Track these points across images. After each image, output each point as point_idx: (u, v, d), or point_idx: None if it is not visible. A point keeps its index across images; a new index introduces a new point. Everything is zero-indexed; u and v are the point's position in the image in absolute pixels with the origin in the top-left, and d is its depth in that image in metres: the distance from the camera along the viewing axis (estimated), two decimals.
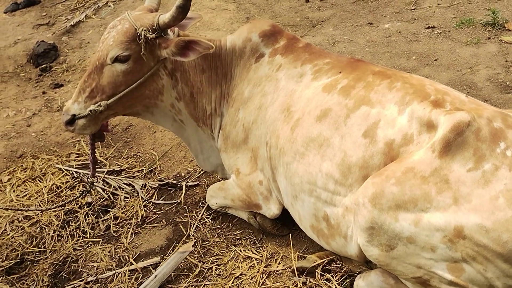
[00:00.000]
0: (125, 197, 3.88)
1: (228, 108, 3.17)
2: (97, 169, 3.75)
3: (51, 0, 7.38)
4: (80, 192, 3.60)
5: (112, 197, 3.90)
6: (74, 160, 4.34)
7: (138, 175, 4.08)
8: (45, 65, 5.81)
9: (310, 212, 2.70)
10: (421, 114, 2.38)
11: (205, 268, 3.09)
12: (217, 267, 3.09)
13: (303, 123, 2.72)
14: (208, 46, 2.71)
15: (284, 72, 2.95)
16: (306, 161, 2.67)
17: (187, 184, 3.81)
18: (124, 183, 4.00)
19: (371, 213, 2.28)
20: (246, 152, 3.09)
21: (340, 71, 2.80)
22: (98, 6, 6.99)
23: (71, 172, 4.18)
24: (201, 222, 3.45)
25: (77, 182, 4.12)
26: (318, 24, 5.75)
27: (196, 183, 3.82)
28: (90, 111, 2.78)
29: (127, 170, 4.17)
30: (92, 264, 3.37)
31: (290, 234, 3.15)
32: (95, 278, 3.25)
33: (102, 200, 3.88)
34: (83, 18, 6.72)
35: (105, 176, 4.09)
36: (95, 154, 3.39)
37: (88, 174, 3.86)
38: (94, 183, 3.61)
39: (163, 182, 3.89)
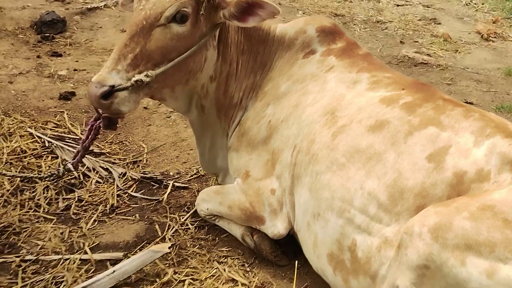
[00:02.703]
0: (97, 181, 3.27)
1: (254, 101, 2.69)
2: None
3: None
4: (49, 173, 2.99)
5: (82, 178, 3.28)
6: (50, 130, 3.73)
7: (119, 163, 3.49)
8: (48, 34, 5.29)
9: (334, 236, 2.16)
10: (505, 150, 1.95)
11: (176, 279, 2.44)
12: (191, 281, 2.45)
13: (349, 130, 2.25)
14: (274, 11, 2.29)
15: (335, 74, 2.52)
16: (345, 174, 2.17)
17: (174, 184, 3.23)
18: (100, 166, 3.40)
19: (430, 247, 1.75)
20: (263, 154, 2.58)
21: (403, 88, 2.38)
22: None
23: (42, 140, 3.56)
24: (182, 227, 2.84)
25: (46, 153, 3.50)
26: None
27: (186, 185, 3.24)
28: (136, 81, 2.18)
29: (108, 155, 3.58)
30: (36, 241, 2.71)
31: (289, 266, 2.57)
32: (35, 257, 2.58)
33: (69, 177, 3.26)
34: (102, 6, 6.31)
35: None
36: (93, 142, 2.75)
37: (67, 158, 3.21)
38: (70, 170, 2.96)
39: (147, 175, 3.31)
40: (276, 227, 2.50)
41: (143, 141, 3.75)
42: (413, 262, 1.79)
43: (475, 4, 8.20)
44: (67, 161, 3.02)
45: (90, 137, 2.64)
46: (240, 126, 2.71)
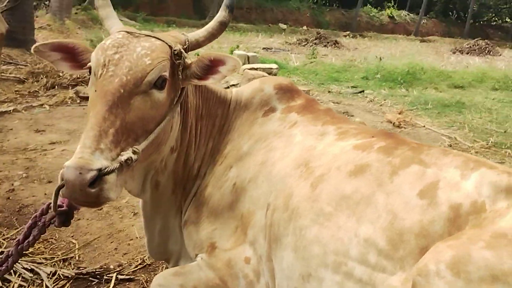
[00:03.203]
0: (20, 285, 2.71)
1: (213, 167, 2.45)
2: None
3: None
4: None
5: (1, 283, 2.71)
6: None
7: (45, 263, 2.96)
8: None
9: None
10: (495, 179, 1.86)
11: None
12: None
13: (329, 179, 2.07)
14: (235, 64, 2.10)
15: (300, 129, 2.39)
16: (334, 224, 1.94)
17: (118, 276, 2.76)
18: (23, 268, 2.85)
19: (453, 285, 1.53)
20: (230, 221, 2.28)
21: (372, 136, 2.29)
22: (32, 105, 6.26)
23: None
24: None
25: None
26: None
27: (131, 277, 2.78)
28: (126, 160, 1.81)
29: (30, 255, 3.04)
30: None
31: None
32: None
33: None
34: (11, 111, 5.90)
35: None
36: (34, 243, 2.16)
37: None
38: None
39: (82, 271, 2.81)
40: None
41: (72, 236, 3.27)
42: None
43: (378, 100, 8.87)
44: None
45: (31, 237, 2.09)
46: (198, 196, 2.41)
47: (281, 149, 2.33)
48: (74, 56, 2.12)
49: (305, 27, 30.13)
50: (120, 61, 1.91)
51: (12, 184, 3.87)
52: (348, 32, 30.01)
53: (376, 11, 36.48)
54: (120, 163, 1.78)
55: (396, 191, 1.93)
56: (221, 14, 2.17)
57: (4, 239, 3.15)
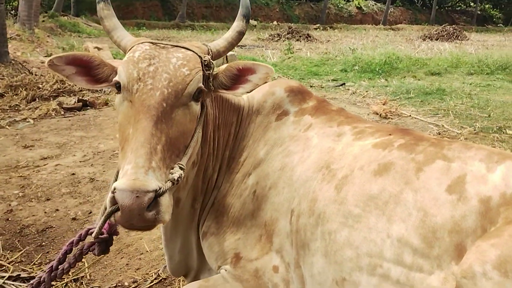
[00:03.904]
0: None
1: (229, 176, 2.40)
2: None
3: None
4: None
5: None
6: None
7: (56, 285, 2.87)
8: None
9: None
10: None
11: None
12: None
13: (353, 179, 2.06)
14: (268, 71, 2.04)
15: (316, 131, 2.36)
16: (364, 225, 1.93)
17: None
18: None
19: (502, 285, 1.54)
20: (253, 230, 2.25)
21: (389, 133, 2.29)
22: (15, 120, 6.08)
23: None
24: None
25: None
26: None
27: None
28: (177, 179, 1.73)
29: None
30: None
31: None
32: None
33: None
34: None
35: (5, 282, 2.83)
36: (69, 271, 2.05)
37: None
38: None
39: None
40: None
41: None
42: None
43: (360, 92, 8.93)
44: None
45: (66, 265, 2.00)
46: (217, 206, 2.36)
47: (299, 153, 2.30)
48: (89, 70, 2.03)
49: (275, 22, 30.20)
50: (157, 73, 1.85)
51: (10, 205, 3.74)
52: (318, 25, 30.20)
53: (344, 3, 36.79)
54: (172, 181, 1.72)
55: (423, 187, 1.92)
56: (239, 24, 2.14)
57: (9, 263, 3.04)
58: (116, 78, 1.90)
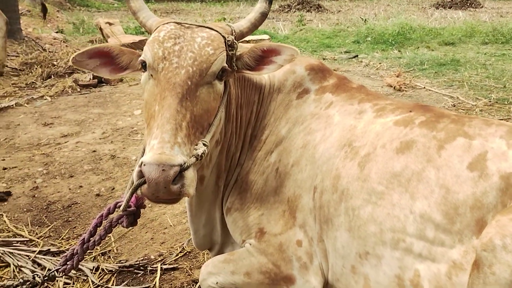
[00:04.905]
0: (66, 283, 2.74)
1: (252, 153, 2.46)
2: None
3: None
4: (20, 281, 2.36)
5: (45, 283, 2.74)
6: None
7: (85, 258, 2.98)
8: None
9: (391, 272, 1.93)
10: None
11: None
12: None
13: (376, 157, 2.11)
14: (293, 53, 2.08)
15: (337, 109, 2.40)
16: (388, 202, 1.99)
17: (161, 266, 2.80)
18: None
19: None
20: (276, 205, 2.32)
21: (410, 110, 2.32)
22: (32, 97, 6.16)
23: None
24: None
25: None
26: None
27: (175, 266, 2.83)
28: (201, 154, 1.81)
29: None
30: None
31: None
32: None
33: (28, 286, 2.69)
34: (13, 105, 5.81)
35: (36, 256, 2.95)
36: (100, 243, 2.19)
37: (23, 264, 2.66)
38: (54, 278, 2.37)
39: (125, 264, 2.85)
40: (310, 283, 2.20)
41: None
42: (506, 279, 1.61)
43: (373, 64, 8.88)
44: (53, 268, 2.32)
45: (97, 237, 2.13)
46: (240, 183, 2.43)
47: (321, 131, 2.35)
48: (112, 59, 2.11)
49: None
50: (182, 52, 1.91)
51: (35, 182, 3.86)
52: None
53: None
54: (196, 157, 1.79)
55: (445, 165, 1.97)
56: (262, 5, 2.17)
57: (39, 238, 3.16)
58: (142, 57, 1.97)
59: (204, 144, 1.86)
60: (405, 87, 6.91)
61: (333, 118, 2.37)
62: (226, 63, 2.02)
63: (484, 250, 1.69)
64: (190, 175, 1.76)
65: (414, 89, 6.92)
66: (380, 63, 8.87)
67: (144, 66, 1.96)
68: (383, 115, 2.32)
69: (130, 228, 3.21)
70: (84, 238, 2.15)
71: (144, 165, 1.70)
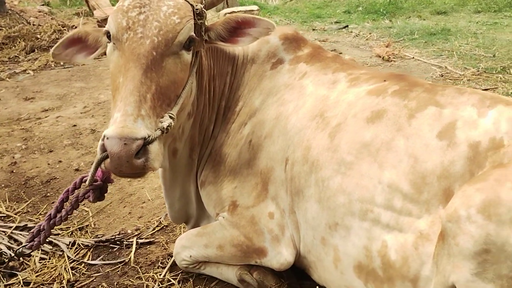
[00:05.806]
0: (41, 258, 2.73)
1: (226, 125, 2.42)
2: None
3: None
4: None
5: (21, 258, 2.72)
6: None
7: (62, 234, 2.97)
8: None
9: (360, 243, 1.92)
10: None
11: None
12: None
13: (346, 127, 2.07)
14: (269, 26, 2.03)
15: (311, 79, 2.35)
16: (356, 172, 1.96)
17: (137, 240, 2.79)
18: None
19: (485, 228, 1.57)
20: (249, 178, 2.29)
21: (384, 79, 2.27)
22: (15, 71, 6.07)
23: None
24: (164, 285, 2.42)
25: None
26: None
27: (151, 240, 2.82)
28: (167, 127, 1.76)
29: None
30: None
31: None
32: None
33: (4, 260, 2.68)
34: None
35: (13, 231, 2.93)
36: (66, 218, 2.17)
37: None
38: (24, 255, 2.39)
39: (101, 238, 2.83)
40: (281, 255, 2.19)
41: (83, 204, 3.26)
42: (469, 250, 1.60)
43: (363, 34, 8.76)
44: (21, 245, 2.34)
45: (63, 212, 2.11)
46: (214, 156, 2.40)
47: (293, 101, 2.31)
48: (84, 44, 2.10)
49: None
50: (147, 21, 1.85)
51: (13, 157, 3.82)
52: None
53: None
54: (161, 130, 1.74)
55: (415, 134, 1.95)
56: None
57: (16, 214, 3.14)
58: (106, 28, 1.92)
59: (170, 117, 1.81)
60: (394, 58, 6.83)
61: (306, 88, 2.33)
62: (195, 33, 1.96)
63: (449, 221, 1.67)
64: (155, 149, 1.72)
65: (403, 59, 6.84)
66: (370, 33, 8.76)
67: (109, 37, 1.91)
68: (356, 84, 2.28)
69: (109, 203, 3.23)
70: (50, 214, 2.12)
71: (107, 138, 1.66)
